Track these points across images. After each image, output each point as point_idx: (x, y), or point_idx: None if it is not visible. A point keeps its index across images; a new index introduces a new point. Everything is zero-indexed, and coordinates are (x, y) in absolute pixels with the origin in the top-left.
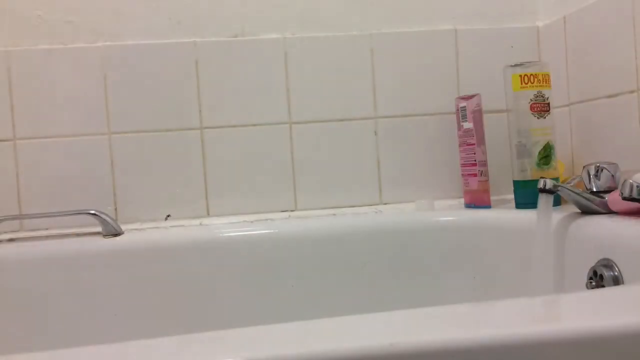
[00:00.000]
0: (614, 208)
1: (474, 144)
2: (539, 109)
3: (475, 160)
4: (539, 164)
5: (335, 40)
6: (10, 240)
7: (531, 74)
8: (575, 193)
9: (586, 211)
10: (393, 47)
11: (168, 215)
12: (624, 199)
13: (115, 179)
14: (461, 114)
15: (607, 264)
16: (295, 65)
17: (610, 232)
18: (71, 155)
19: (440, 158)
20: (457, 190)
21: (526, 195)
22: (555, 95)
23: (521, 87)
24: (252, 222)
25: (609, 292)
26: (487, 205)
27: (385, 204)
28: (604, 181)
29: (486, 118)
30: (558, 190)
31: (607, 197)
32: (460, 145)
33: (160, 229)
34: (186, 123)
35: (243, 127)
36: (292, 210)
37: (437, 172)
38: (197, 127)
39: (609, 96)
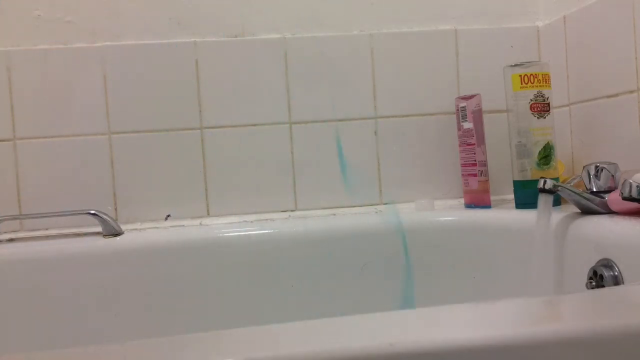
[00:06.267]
0: (614, 208)
1: (474, 144)
2: (539, 109)
3: (475, 160)
4: (539, 164)
5: (335, 40)
6: (10, 240)
7: (531, 74)
8: (575, 193)
9: (586, 211)
10: (393, 47)
11: (168, 215)
12: (624, 199)
13: (115, 179)
14: (461, 114)
15: (607, 264)
16: (295, 65)
17: (610, 232)
18: (71, 155)
19: (440, 158)
20: (457, 190)
21: (526, 195)
22: (555, 95)
23: (521, 87)
24: (252, 222)
25: (609, 292)
26: (487, 205)
27: (385, 204)
28: (604, 181)
29: (486, 118)
30: (558, 190)
31: (607, 197)
32: (460, 145)
33: (160, 229)
34: (186, 123)
35: (243, 127)
36: (292, 210)
37: (437, 172)
38: (197, 127)
39: (609, 96)
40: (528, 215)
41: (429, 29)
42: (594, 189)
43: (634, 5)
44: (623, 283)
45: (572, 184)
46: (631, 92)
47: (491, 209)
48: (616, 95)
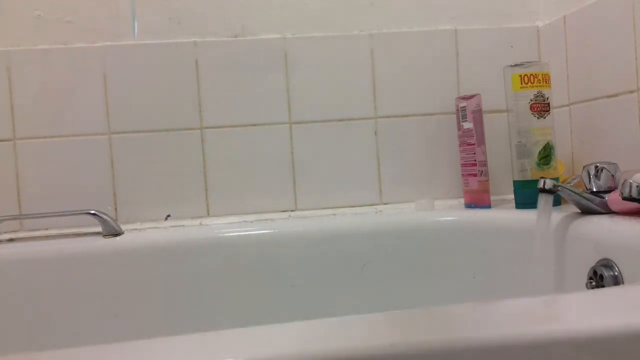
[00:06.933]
0: (614, 208)
1: (474, 144)
2: (539, 109)
3: (475, 160)
4: (539, 164)
5: (335, 40)
6: (10, 240)
7: (531, 74)
8: (575, 193)
9: (586, 211)
10: (393, 47)
11: (168, 215)
12: (624, 199)
13: (115, 179)
14: (461, 114)
15: (607, 264)
16: (295, 65)
17: (610, 232)
18: (71, 155)
19: (440, 158)
20: (457, 190)
21: (526, 195)
22: (555, 95)
23: (521, 87)
24: (252, 222)
25: (609, 292)
26: (487, 205)
27: (385, 204)
28: (604, 181)
29: (486, 118)
30: (558, 190)
31: (607, 197)
32: (460, 145)
33: (160, 229)
34: (186, 123)
35: (243, 127)
36: (292, 210)
37: (437, 172)
38: (197, 127)
39: (609, 96)
40: (528, 215)
41: (429, 29)
42: (594, 189)
43: (634, 5)
44: (623, 283)
45: (572, 184)
46: (631, 92)
47: (491, 209)
48: (616, 95)
